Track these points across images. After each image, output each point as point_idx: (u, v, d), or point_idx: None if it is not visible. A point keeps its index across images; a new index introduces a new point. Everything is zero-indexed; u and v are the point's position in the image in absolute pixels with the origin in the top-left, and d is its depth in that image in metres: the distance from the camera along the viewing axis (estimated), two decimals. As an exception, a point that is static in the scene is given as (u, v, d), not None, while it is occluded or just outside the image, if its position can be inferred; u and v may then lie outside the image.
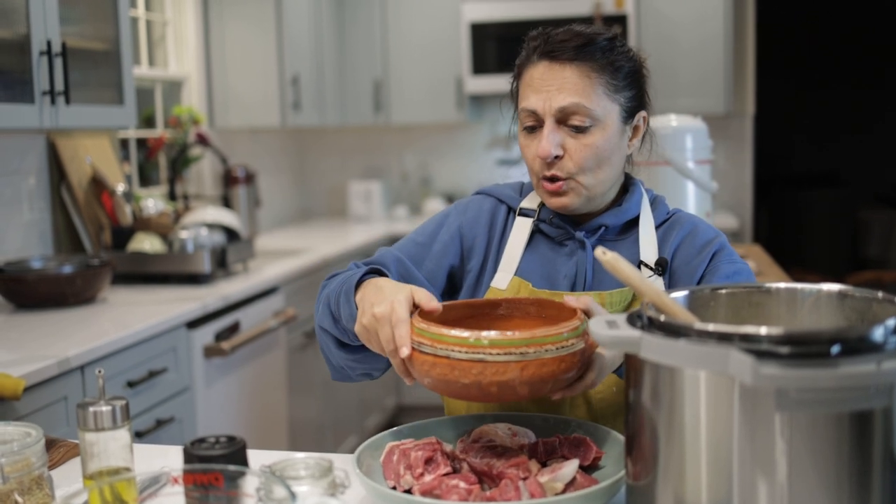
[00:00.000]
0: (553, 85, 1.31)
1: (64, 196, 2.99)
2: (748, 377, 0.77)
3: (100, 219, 3.07)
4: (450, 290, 1.46)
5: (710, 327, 0.83)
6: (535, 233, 1.42)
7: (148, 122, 3.84)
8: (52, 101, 2.41)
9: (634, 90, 1.36)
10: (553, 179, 1.33)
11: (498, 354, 1.05)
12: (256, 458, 1.27)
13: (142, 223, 3.03)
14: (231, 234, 3.20)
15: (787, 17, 7.19)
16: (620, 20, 4.34)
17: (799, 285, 1.01)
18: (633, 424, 0.93)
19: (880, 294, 0.94)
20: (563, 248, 1.40)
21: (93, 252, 2.99)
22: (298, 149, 5.10)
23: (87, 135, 3.15)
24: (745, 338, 0.81)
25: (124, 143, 3.59)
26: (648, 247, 1.37)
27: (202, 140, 3.74)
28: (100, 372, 1.05)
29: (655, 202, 1.44)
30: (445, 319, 1.18)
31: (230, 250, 3.05)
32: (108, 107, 2.73)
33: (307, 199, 5.17)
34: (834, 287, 0.99)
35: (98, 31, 2.78)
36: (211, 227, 3.12)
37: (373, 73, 4.61)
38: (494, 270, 1.41)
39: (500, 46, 4.48)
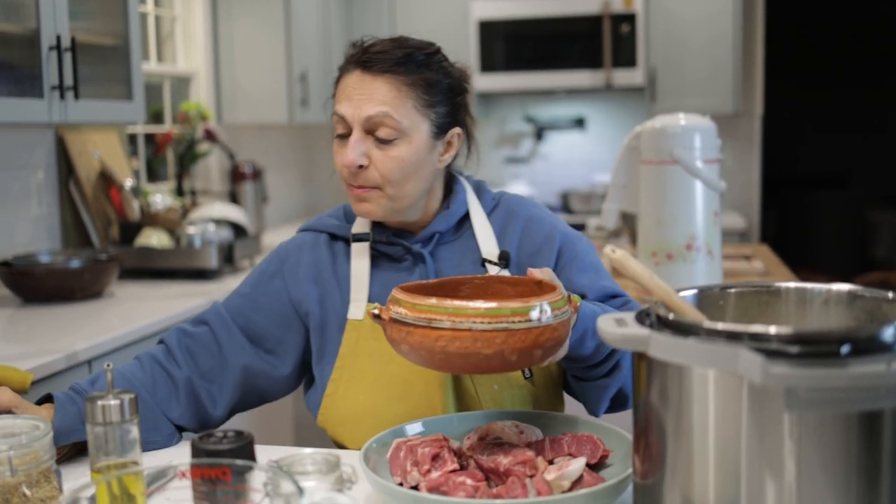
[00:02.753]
0: (364, 94, 1.31)
1: (72, 191, 3.00)
2: (757, 376, 0.77)
3: (108, 214, 3.07)
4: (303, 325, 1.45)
5: (720, 326, 0.83)
6: (376, 256, 1.42)
7: (156, 117, 3.84)
8: (62, 96, 2.42)
9: (448, 107, 1.37)
10: (358, 188, 1.35)
11: (520, 322, 1.06)
12: (263, 454, 1.27)
13: (149, 218, 3.04)
14: (238, 229, 3.21)
15: (796, 17, 7.16)
16: (629, 19, 4.33)
17: (808, 285, 1.01)
18: (640, 423, 0.92)
19: (890, 294, 0.94)
20: (404, 263, 1.41)
21: (100, 247, 3.00)
22: (306, 145, 5.10)
23: (95, 130, 3.15)
24: (755, 337, 0.81)
25: (132, 139, 3.60)
26: (487, 241, 1.40)
27: (210, 136, 3.75)
28: (108, 366, 1.06)
29: (480, 190, 1.46)
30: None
31: (237, 246, 3.05)
32: (116, 102, 2.73)
33: (314, 195, 5.17)
34: (844, 287, 0.99)
35: (107, 27, 2.79)
36: (218, 222, 3.13)
37: (381, 71, 4.61)
38: (343, 302, 1.40)
39: (508, 44, 4.48)
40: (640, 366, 0.91)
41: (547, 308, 1.08)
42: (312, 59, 4.21)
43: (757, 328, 0.81)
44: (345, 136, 1.34)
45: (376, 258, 1.42)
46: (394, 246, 1.41)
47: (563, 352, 1.16)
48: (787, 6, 6.77)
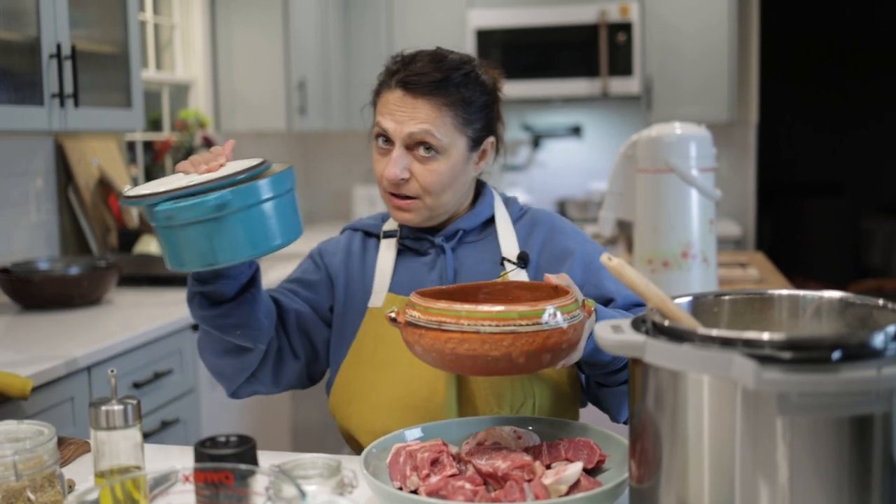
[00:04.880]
0: (406, 113, 1.39)
1: (71, 198, 3.01)
2: (750, 381, 0.79)
3: (106, 221, 3.09)
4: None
5: (714, 332, 0.85)
6: (402, 251, 1.51)
7: (155, 124, 3.86)
8: (61, 104, 2.43)
9: (484, 121, 1.45)
10: (399, 196, 1.42)
11: (527, 325, 1.09)
12: (265, 458, 1.28)
13: (148, 226, 3.05)
14: (236, 237, 3.21)
15: (790, 27, 7.20)
16: (625, 28, 4.36)
17: (801, 292, 1.03)
18: (636, 428, 0.94)
19: (881, 301, 0.95)
20: (427, 256, 1.49)
21: (99, 254, 3.01)
22: (304, 153, 5.12)
23: (94, 137, 3.17)
24: (748, 343, 0.82)
25: (131, 146, 3.61)
26: (508, 243, 1.47)
27: (208, 143, 3.76)
28: (112, 372, 1.07)
29: (509, 202, 1.54)
30: None
31: (235, 253, 3.06)
32: (116, 109, 2.75)
33: (312, 203, 5.19)
34: (835, 294, 1.01)
35: (107, 35, 2.80)
36: (216, 230, 3.14)
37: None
38: (364, 294, 1.49)
39: (505, 53, 4.50)
40: (636, 372, 0.93)
41: (556, 312, 1.11)
42: (311, 66, 4.23)
43: (750, 335, 0.83)
44: (385, 147, 1.42)
45: (402, 252, 1.51)
46: (419, 241, 1.48)
47: (576, 356, 1.19)
48: (782, 16, 6.81)
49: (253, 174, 1.20)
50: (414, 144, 1.39)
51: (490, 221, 1.50)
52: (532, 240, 1.48)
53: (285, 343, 1.48)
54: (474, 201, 1.52)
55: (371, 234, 1.55)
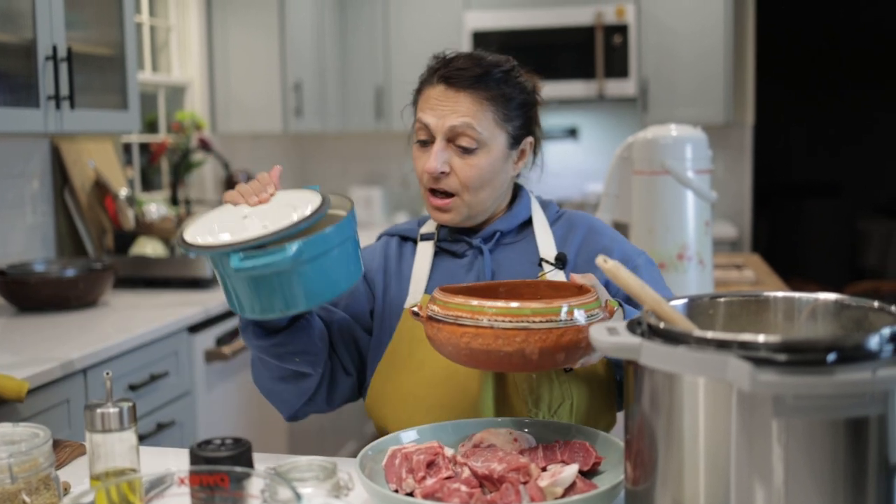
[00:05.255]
0: (448, 106, 1.41)
1: (67, 200, 3.01)
2: (746, 384, 0.79)
3: (102, 223, 3.08)
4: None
5: (709, 335, 0.85)
6: (439, 252, 1.52)
7: (151, 126, 3.86)
8: (57, 106, 2.43)
9: (523, 119, 1.46)
10: (438, 194, 1.44)
11: (541, 322, 1.10)
12: (260, 461, 1.28)
13: (144, 227, 3.05)
14: (233, 239, 3.21)
15: (786, 28, 7.22)
16: (621, 30, 4.37)
17: (796, 294, 1.03)
18: (632, 430, 0.94)
19: (876, 303, 0.96)
20: (464, 258, 1.49)
21: (95, 256, 3.01)
22: (300, 155, 5.12)
23: (90, 139, 3.16)
24: (744, 345, 0.82)
25: (127, 148, 3.61)
26: (546, 244, 1.48)
27: (204, 145, 3.76)
28: (108, 374, 1.07)
29: (545, 204, 1.55)
30: None
31: (232, 255, 3.06)
32: (112, 111, 2.74)
33: (308, 204, 5.18)
34: (831, 296, 1.01)
35: (103, 37, 2.80)
36: (213, 231, 3.13)
37: (374, 81, 4.64)
38: (400, 296, 1.50)
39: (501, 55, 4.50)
40: (632, 373, 0.93)
41: (572, 309, 1.11)
42: (307, 68, 4.23)
43: (746, 337, 0.83)
44: (425, 143, 1.44)
45: (439, 254, 1.51)
46: (457, 242, 1.49)
47: (596, 355, 1.20)
48: (778, 18, 6.82)
49: (319, 217, 1.19)
50: (454, 138, 1.40)
51: (527, 223, 1.51)
52: (569, 241, 1.49)
53: (336, 361, 1.47)
54: (511, 203, 1.52)
55: (407, 239, 1.56)
